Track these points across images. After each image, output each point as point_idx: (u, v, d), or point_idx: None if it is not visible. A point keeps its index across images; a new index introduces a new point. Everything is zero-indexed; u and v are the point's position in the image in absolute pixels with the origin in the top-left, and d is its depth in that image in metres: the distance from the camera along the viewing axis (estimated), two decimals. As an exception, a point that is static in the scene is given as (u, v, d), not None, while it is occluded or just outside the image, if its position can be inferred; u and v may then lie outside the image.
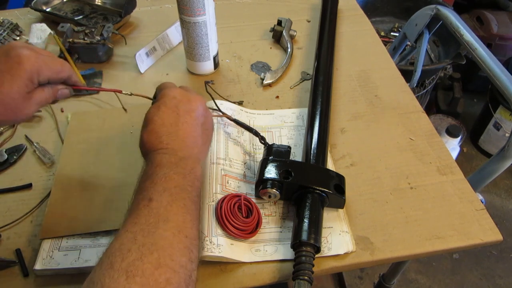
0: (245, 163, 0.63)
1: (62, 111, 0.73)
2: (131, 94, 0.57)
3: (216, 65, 0.81)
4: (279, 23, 0.88)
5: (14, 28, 0.89)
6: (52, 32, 0.85)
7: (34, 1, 0.93)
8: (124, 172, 0.61)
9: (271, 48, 0.89)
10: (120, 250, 0.37)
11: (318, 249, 0.50)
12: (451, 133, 1.59)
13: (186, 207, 0.44)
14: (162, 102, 0.50)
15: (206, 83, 0.69)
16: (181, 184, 0.45)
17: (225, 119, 0.66)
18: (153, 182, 0.44)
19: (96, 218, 0.56)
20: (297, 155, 0.65)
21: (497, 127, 1.71)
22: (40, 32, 0.85)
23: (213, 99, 0.68)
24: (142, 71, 0.81)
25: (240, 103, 0.74)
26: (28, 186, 0.61)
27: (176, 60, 0.85)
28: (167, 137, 0.48)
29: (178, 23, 0.80)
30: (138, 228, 0.39)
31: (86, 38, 0.81)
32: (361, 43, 0.90)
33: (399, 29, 1.59)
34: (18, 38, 0.88)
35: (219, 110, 0.66)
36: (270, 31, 0.90)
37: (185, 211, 0.43)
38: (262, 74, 0.80)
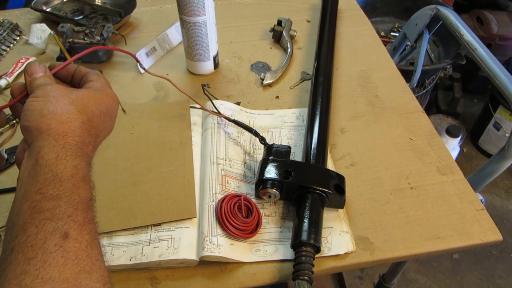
0: (245, 163, 0.63)
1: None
2: None
3: (216, 65, 0.81)
4: (279, 23, 0.88)
5: (14, 28, 0.89)
6: (52, 32, 0.85)
7: (34, 1, 0.93)
8: (127, 173, 0.61)
9: (271, 48, 0.89)
10: None
11: (318, 249, 0.50)
12: (451, 133, 1.59)
13: (100, 247, 0.32)
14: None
15: (203, 86, 0.70)
16: (93, 202, 0.34)
17: (224, 119, 0.66)
18: (59, 198, 0.30)
19: (99, 219, 0.55)
20: (297, 155, 0.65)
21: (497, 127, 1.71)
22: (40, 32, 0.85)
23: (211, 100, 0.68)
24: (142, 71, 0.81)
25: (237, 104, 0.74)
26: (28, 186, 0.61)
27: (176, 60, 0.85)
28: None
29: (178, 23, 0.80)
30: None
31: (86, 38, 0.81)
32: (361, 43, 0.90)
33: (399, 29, 1.59)
34: (18, 38, 0.89)
35: (218, 112, 0.66)
36: (270, 31, 0.90)
37: (101, 253, 0.31)
38: (262, 74, 0.80)
